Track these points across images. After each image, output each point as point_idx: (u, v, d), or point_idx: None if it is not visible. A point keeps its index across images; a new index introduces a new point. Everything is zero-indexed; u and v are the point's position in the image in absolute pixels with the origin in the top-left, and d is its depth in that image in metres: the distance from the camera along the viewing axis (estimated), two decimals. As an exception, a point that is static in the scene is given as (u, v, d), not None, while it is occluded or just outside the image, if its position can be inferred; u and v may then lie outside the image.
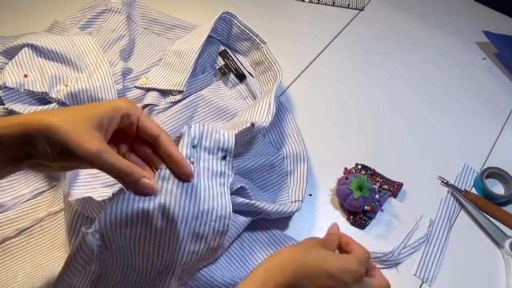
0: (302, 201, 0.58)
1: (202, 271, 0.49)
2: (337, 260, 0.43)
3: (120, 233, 0.41)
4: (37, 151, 0.37)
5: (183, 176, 0.42)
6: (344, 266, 0.42)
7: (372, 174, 0.63)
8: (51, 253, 0.52)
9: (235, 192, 0.53)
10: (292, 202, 0.58)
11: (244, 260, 0.54)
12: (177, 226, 0.42)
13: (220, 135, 0.47)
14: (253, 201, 0.53)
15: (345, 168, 0.64)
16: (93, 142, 0.37)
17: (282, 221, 0.58)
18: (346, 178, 0.59)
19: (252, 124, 0.53)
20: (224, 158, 0.47)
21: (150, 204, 0.40)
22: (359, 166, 0.64)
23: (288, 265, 0.42)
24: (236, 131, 0.52)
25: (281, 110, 0.67)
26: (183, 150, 0.44)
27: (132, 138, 0.44)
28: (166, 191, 0.41)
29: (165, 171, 0.42)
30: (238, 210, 0.54)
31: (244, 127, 0.53)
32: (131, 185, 0.40)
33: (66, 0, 0.78)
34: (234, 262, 0.54)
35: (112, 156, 0.38)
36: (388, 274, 0.55)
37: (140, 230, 0.41)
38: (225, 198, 0.45)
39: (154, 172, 0.43)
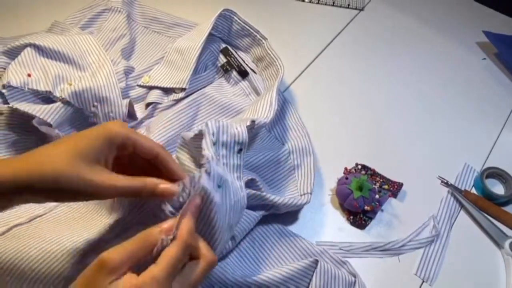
0: (311, 194, 0.58)
1: (214, 268, 0.50)
2: None
3: None
4: (38, 199, 0.36)
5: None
6: None
7: (372, 174, 0.63)
8: (64, 230, 0.50)
9: (246, 185, 0.53)
10: (301, 195, 0.59)
11: (255, 258, 0.55)
12: (219, 221, 0.42)
13: (234, 129, 0.48)
14: (263, 194, 0.54)
15: (345, 168, 0.64)
16: (99, 176, 0.37)
17: (282, 221, 0.58)
18: (346, 178, 0.59)
19: (253, 121, 0.54)
20: (240, 151, 0.48)
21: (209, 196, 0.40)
22: (359, 166, 0.64)
23: None
24: None
25: (285, 105, 0.68)
26: (209, 149, 0.44)
27: (128, 155, 0.43)
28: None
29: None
30: (248, 204, 0.54)
31: (245, 124, 0.53)
32: (150, 195, 0.39)
33: (65, 0, 0.78)
34: (245, 259, 0.54)
35: (122, 180, 0.38)
36: (390, 272, 0.55)
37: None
38: (243, 190, 0.47)
39: None
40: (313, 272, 0.51)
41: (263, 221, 0.56)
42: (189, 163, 0.49)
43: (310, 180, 0.60)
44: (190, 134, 0.48)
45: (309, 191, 0.58)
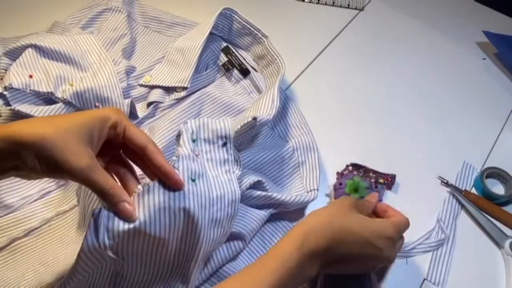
0: (317, 190, 0.59)
1: (225, 267, 0.50)
2: (373, 226, 0.43)
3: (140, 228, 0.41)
4: (25, 164, 0.36)
5: (173, 186, 0.42)
6: (380, 232, 0.43)
7: (365, 171, 0.63)
8: (60, 250, 0.52)
9: (252, 186, 0.54)
10: (308, 192, 0.59)
11: None
12: (196, 215, 0.43)
13: (216, 124, 0.49)
14: (270, 193, 0.54)
15: (337, 173, 0.64)
16: (82, 159, 0.37)
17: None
18: (340, 184, 0.60)
19: (254, 118, 0.54)
20: (224, 145, 0.49)
21: (171, 199, 0.41)
22: (350, 167, 0.64)
23: (325, 230, 0.42)
24: (239, 126, 0.53)
25: (287, 102, 0.68)
26: (186, 146, 0.45)
27: (118, 146, 0.43)
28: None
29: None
30: (256, 204, 0.55)
31: (245, 121, 0.54)
32: (111, 205, 0.39)
33: (65, 0, 0.78)
34: (255, 257, 0.55)
35: (98, 174, 0.38)
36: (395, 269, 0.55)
37: (164, 223, 0.42)
38: (233, 183, 0.48)
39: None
40: None
41: (271, 219, 0.57)
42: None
43: (315, 176, 0.60)
44: (175, 133, 0.49)
45: (315, 187, 0.59)
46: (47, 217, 0.54)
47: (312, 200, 0.58)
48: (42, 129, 0.36)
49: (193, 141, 0.48)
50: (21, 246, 0.52)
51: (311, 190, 0.59)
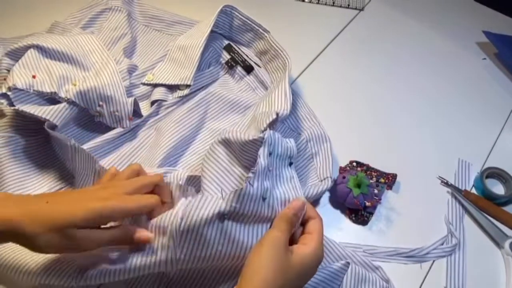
0: (331, 177, 0.59)
1: None
2: (308, 259, 0.42)
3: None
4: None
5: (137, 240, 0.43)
6: (315, 261, 0.43)
7: (367, 169, 0.64)
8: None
9: None
10: (321, 181, 0.60)
11: None
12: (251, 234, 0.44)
13: (286, 142, 0.49)
14: None
15: (340, 167, 0.64)
16: (85, 233, 0.40)
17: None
18: (343, 177, 0.60)
19: (277, 114, 0.54)
20: (290, 164, 0.50)
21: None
22: (354, 164, 0.64)
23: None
24: (265, 125, 0.53)
25: (295, 96, 0.69)
26: (262, 162, 0.45)
27: None
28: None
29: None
30: None
31: (270, 119, 0.54)
32: (129, 243, 0.43)
33: (65, 0, 0.78)
34: None
35: (105, 233, 0.41)
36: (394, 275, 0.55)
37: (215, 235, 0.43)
38: (302, 199, 0.47)
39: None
40: (344, 275, 0.51)
41: None
42: (223, 161, 0.50)
43: (328, 164, 0.61)
44: (243, 135, 0.48)
45: (328, 175, 0.60)
46: None
47: (327, 188, 0.59)
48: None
49: (270, 154, 0.46)
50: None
51: (324, 178, 0.60)
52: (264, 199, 0.43)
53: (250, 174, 0.43)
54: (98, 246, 0.41)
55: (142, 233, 0.42)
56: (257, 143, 0.47)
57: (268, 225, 0.45)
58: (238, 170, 0.50)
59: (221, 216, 0.42)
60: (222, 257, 0.43)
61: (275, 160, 0.47)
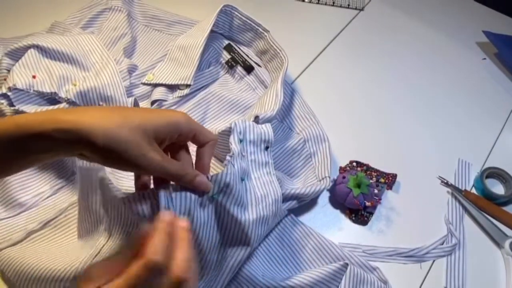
0: (329, 177, 0.59)
1: (244, 269, 0.51)
2: None
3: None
4: (92, 158, 0.37)
5: (201, 187, 0.43)
6: None
7: (367, 169, 0.64)
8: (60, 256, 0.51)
9: None
10: (320, 180, 0.60)
11: (284, 260, 0.55)
12: (245, 212, 0.46)
13: (260, 128, 0.52)
14: (285, 189, 0.55)
15: (340, 167, 0.64)
16: (156, 154, 0.38)
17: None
18: (343, 177, 0.60)
19: (256, 117, 0.55)
20: (266, 148, 0.52)
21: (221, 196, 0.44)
22: (354, 164, 0.64)
23: None
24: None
25: (294, 95, 0.69)
26: (234, 147, 0.48)
27: None
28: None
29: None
30: None
31: (251, 120, 0.54)
32: (187, 183, 0.42)
33: (65, 0, 0.78)
34: (274, 261, 0.55)
35: (171, 164, 0.40)
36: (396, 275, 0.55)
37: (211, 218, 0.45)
38: (274, 184, 0.51)
39: None
40: (342, 275, 0.51)
41: (292, 222, 0.57)
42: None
43: (327, 164, 0.61)
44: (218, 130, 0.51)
45: (327, 174, 0.60)
46: (62, 207, 0.54)
47: (325, 188, 0.59)
48: (117, 127, 0.36)
49: (240, 141, 0.49)
50: (39, 237, 0.52)
51: (323, 178, 0.60)
52: (242, 180, 0.47)
53: (228, 157, 0.46)
54: (159, 173, 0.40)
55: (203, 179, 0.42)
56: (226, 133, 0.50)
57: (258, 207, 0.48)
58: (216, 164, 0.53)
59: (210, 198, 0.44)
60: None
61: (248, 145, 0.50)
